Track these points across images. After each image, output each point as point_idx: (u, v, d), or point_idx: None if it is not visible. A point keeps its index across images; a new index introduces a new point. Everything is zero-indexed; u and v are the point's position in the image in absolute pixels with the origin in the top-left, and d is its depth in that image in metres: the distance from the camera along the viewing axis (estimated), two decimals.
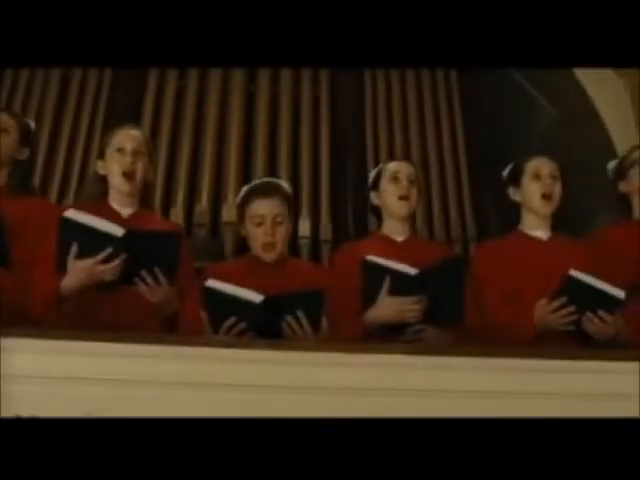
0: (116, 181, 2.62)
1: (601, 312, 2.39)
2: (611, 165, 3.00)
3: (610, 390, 1.99)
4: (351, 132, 4.65)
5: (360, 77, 4.79)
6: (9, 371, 1.99)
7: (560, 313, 2.42)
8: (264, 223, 2.56)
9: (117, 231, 2.27)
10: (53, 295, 2.36)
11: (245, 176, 4.42)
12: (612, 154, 4.49)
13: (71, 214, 2.28)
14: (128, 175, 2.60)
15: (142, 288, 2.33)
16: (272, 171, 4.45)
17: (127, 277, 2.32)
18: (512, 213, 4.12)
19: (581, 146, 4.54)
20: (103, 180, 2.67)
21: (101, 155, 2.69)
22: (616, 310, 2.40)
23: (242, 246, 4.12)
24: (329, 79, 4.81)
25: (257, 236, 2.57)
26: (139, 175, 2.62)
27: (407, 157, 4.46)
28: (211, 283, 2.27)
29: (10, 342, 2.01)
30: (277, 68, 4.71)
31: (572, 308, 2.41)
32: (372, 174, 2.85)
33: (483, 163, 4.65)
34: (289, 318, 2.25)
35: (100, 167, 2.69)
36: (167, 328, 2.46)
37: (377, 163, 4.45)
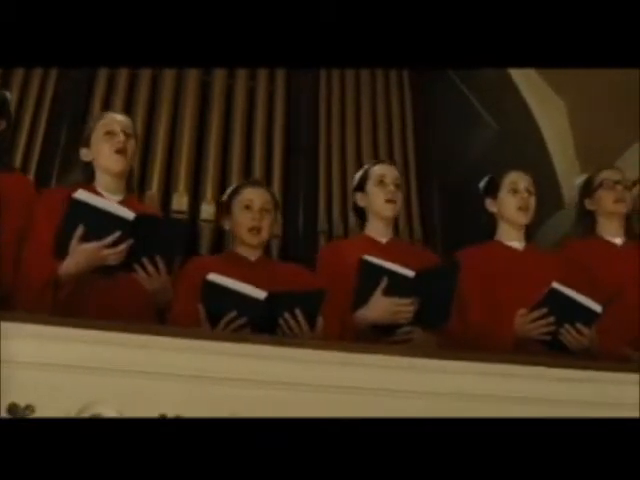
0: (107, 161, 2.58)
1: (579, 324, 2.50)
2: (579, 181, 3.13)
3: (609, 400, 2.07)
4: (304, 129, 4.68)
5: (315, 75, 4.83)
6: (5, 357, 1.92)
7: (540, 323, 2.52)
8: (252, 207, 2.62)
9: (128, 215, 2.22)
10: (50, 279, 2.28)
11: (196, 168, 4.41)
12: (551, 173, 4.71)
13: (81, 195, 2.21)
14: (120, 151, 2.56)
15: (140, 275, 2.30)
16: (224, 164, 4.45)
17: (127, 263, 2.27)
18: (458, 218, 4.24)
19: (521, 163, 4.70)
20: (88, 167, 2.63)
21: (85, 143, 2.64)
22: (593, 323, 2.51)
23: (193, 240, 4.17)
24: (285, 75, 4.83)
25: (244, 220, 2.61)
26: (129, 155, 2.60)
27: (358, 157, 4.56)
28: (212, 277, 2.26)
29: (7, 327, 1.94)
30: (232, 69, 4.69)
31: (551, 319, 2.51)
32: (357, 176, 2.89)
33: (430, 168, 4.76)
34: (287, 315, 2.27)
35: (85, 154, 2.64)
36: (158, 318, 2.41)
37: (329, 162, 4.55)
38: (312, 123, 4.71)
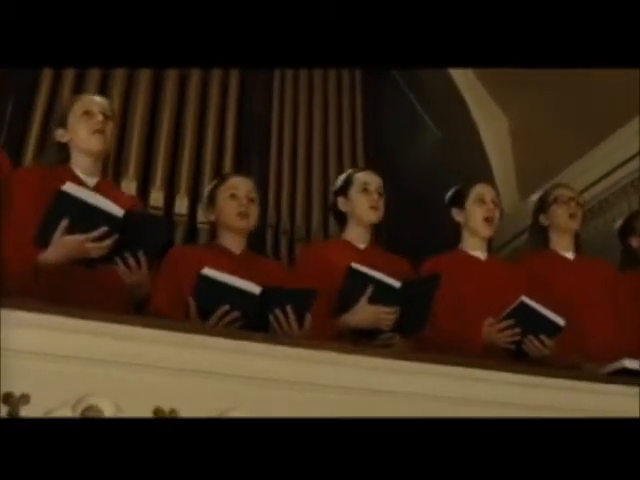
0: (85, 142, 2.54)
1: (542, 336, 2.63)
2: (534, 198, 3.27)
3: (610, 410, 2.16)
4: (257, 128, 4.71)
5: (269, 75, 4.87)
6: (2, 345, 1.88)
7: (507, 333, 2.64)
8: (238, 195, 2.64)
9: (117, 211, 2.21)
10: (30, 264, 2.24)
11: (146, 163, 4.40)
12: (491, 182, 4.87)
13: (70, 188, 2.18)
14: (99, 132, 2.53)
15: (121, 269, 2.28)
16: (174, 160, 4.45)
17: (109, 256, 2.26)
18: (402, 221, 4.32)
19: (461, 170, 4.86)
20: (63, 148, 2.58)
21: (61, 123, 2.59)
22: (555, 335, 2.65)
23: None
24: (238, 75, 4.85)
25: (231, 207, 2.63)
26: (108, 137, 2.57)
27: (309, 156, 4.62)
28: (207, 271, 2.27)
29: (4, 314, 1.91)
30: (185, 69, 4.67)
31: (518, 330, 2.63)
32: (340, 181, 2.93)
33: (377, 170, 4.86)
34: (277, 312, 2.30)
35: (61, 135, 2.59)
36: (135, 311, 2.40)
37: (280, 160, 4.60)
38: (264, 122, 4.73)
